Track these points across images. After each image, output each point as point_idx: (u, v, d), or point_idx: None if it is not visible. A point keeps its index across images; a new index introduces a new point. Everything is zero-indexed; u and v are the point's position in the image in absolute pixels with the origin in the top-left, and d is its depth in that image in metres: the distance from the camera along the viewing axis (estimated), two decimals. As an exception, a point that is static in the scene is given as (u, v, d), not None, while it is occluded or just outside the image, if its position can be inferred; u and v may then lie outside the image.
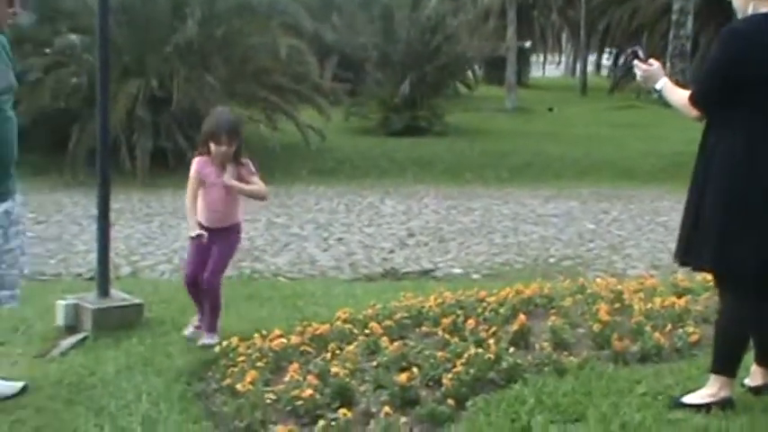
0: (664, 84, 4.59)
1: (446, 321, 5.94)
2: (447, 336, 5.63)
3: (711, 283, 7.14)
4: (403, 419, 4.35)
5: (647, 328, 5.74)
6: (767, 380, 4.70)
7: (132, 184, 16.11)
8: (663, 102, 4.66)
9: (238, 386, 4.77)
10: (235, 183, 5.91)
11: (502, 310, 6.31)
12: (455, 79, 28.76)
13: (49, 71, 17.47)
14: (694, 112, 4.42)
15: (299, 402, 4.56)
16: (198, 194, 5.94)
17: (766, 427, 4.28)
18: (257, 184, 6.09)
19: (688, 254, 4.52)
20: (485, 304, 6.48)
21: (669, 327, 5.77)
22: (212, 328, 5.96)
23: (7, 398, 4.99)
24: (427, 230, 13.07)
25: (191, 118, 17.81)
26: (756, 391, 4.66)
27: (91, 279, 8.30)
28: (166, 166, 17.47)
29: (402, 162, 20.13)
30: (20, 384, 5.12)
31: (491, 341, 5.41)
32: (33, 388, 5.15)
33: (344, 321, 6.08)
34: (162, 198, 15.53)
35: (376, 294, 7.54)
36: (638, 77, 4.71)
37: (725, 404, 4.44)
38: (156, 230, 12.77)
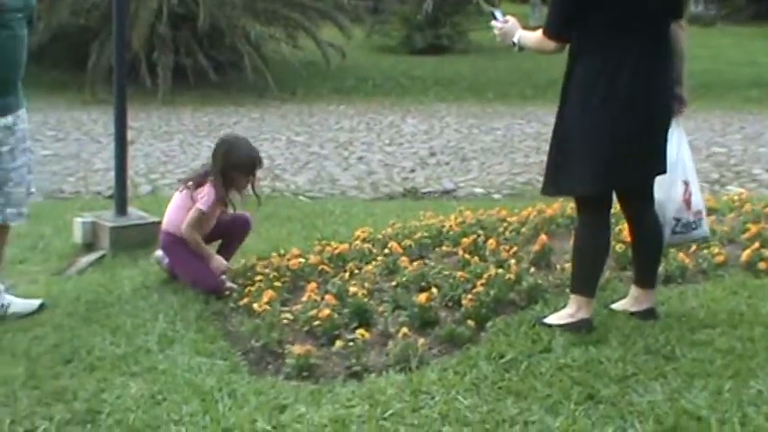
0: (519, 35, 4.55)
1: (466, 241, 5.86)
2: (467, 256, 5.56)
3: (737, 203, 7.07)
4: (421, 340, 4.29)
5: (671, 249, 5.63)
6: (650, 303, 4.65)
7: (152, 102, 16.01)
8: (521, 51, 4.63)
9: (255, 306, 4.73)
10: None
11: (523, 230, 6.24)
12: (478, -4, 28.40)
13: (67, -13, 17.27)
14: (549, 45, 4.39)
15: (317, 323, 4.51)
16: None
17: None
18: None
19: (555, 183, 4.50)
20: (506, 224, 6.40)
21: (694, 247, 5.66)
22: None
23: (25, 316, 4.97)
24: (448, 150, 12.95)
25: (211, 35, 17.66)
26: (644, 315, 4.58)
27: (110, 197, 8.26)
28: (186, 83, 17.35)
29: (424, 80, 19.94)
30: (37, 302, 5.11)
31: (512, 261, 5.33)
32: (51, 306, 5.13)
33: (363, 241, 6.02)
34: (181, 116, 15.44)
35: (396, 214, 7.47)
36: (497, 37, 4.68)
37: (583, 325, 4.39)
38: (176, 148, 12.70)
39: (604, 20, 4.20)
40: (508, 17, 4.65)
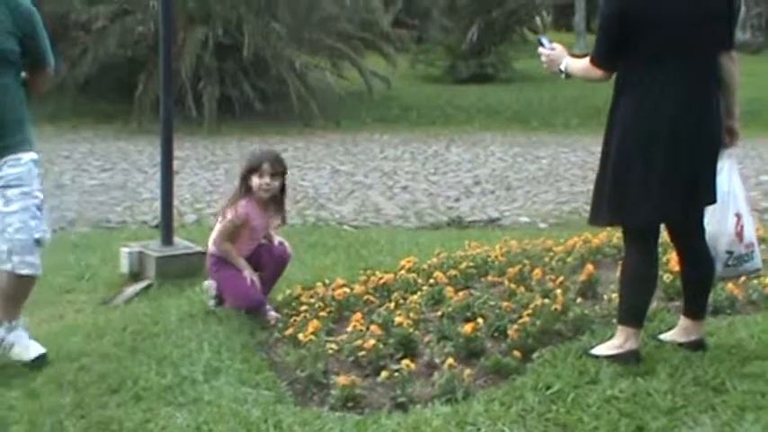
0: (566, 62, 4.54)
1: (512, 271, 5.82)
2: (513, 286, 5.53)
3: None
4: (467, 371, 4.26)
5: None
6: (699, 334, 4.57)
7: (197, 132, 16.15)
8: (568, 78, 4.61)
9: (300, 336, 4.72)
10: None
11: (569, 260, 6.19)
12: (523, 26, 28.38)
13: (115, 19, 17.53)
14: (596, 73, 4.38)
15: (362, 353, 4.49)
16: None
17: None
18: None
19: (602, 213, 4.45)
20: (552, 254, 6.36)
21: (743, 278, 5.58)
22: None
23: (25, 362, 4.68)
24: (493, 178, 12.92)
25: (257, 65, 17.80)
26: (693, 346, 4.51)
27: (156, 227, 8.32)
28: (231, 113, 17.49)
29: (468, 109, 19.94)
30: (38, 352, 4.75)
31: (558, 291, 5.29)
32: (98, 335, 5.15)
33: (409, 271, 6.00)
34: (227, 146, 15.55)
35: (441, 243, 7.45)
36: (543, 64, 4.68)
37: (631, 356, 4.33)
38: (221, 178, 12.78)
39: (650, 49, 4.17)
40: (555, 44, 4.64)
